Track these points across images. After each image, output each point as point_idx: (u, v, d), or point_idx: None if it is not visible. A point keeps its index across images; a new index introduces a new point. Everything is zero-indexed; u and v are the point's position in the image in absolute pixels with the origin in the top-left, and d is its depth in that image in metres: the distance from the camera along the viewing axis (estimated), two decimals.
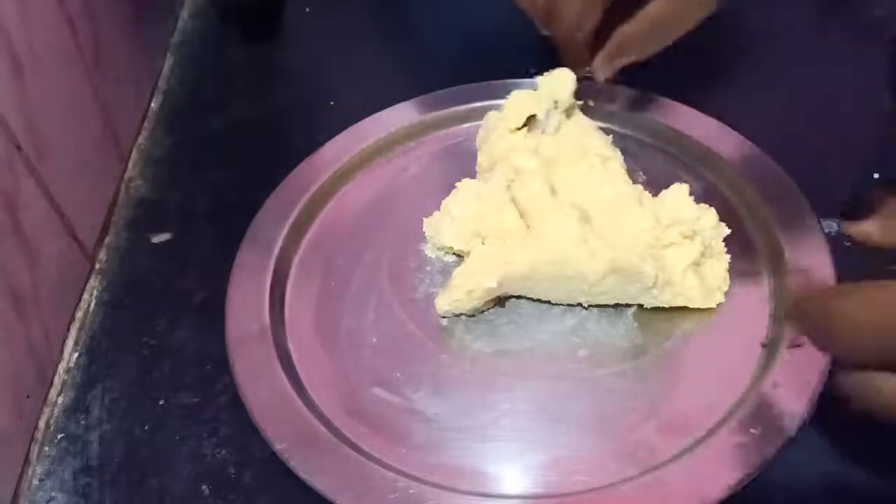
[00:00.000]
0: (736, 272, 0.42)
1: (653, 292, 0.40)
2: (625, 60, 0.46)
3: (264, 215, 0.47)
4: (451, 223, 0.44)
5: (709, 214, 0.42)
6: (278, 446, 0.36)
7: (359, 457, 0.36)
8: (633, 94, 0.51)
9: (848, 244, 0.44)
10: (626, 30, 0.45)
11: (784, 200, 0.44)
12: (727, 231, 0.42)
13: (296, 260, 0.46)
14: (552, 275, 0.40)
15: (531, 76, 0.50)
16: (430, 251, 0.45)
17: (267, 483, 0.37)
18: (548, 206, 0.41)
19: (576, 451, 0.36)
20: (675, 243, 0.40)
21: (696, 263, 0.40)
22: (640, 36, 0.45)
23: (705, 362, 0.38)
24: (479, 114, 0.50)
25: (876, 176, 0.47)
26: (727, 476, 0.33)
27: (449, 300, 0.41)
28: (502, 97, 0.51)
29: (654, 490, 0.34)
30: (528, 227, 0.41)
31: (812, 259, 0.41)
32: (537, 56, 0.56)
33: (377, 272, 0.45)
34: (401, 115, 0.52)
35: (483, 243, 0.42)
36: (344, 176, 0.50)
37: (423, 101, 0.52)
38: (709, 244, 0.41)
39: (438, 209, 0.45)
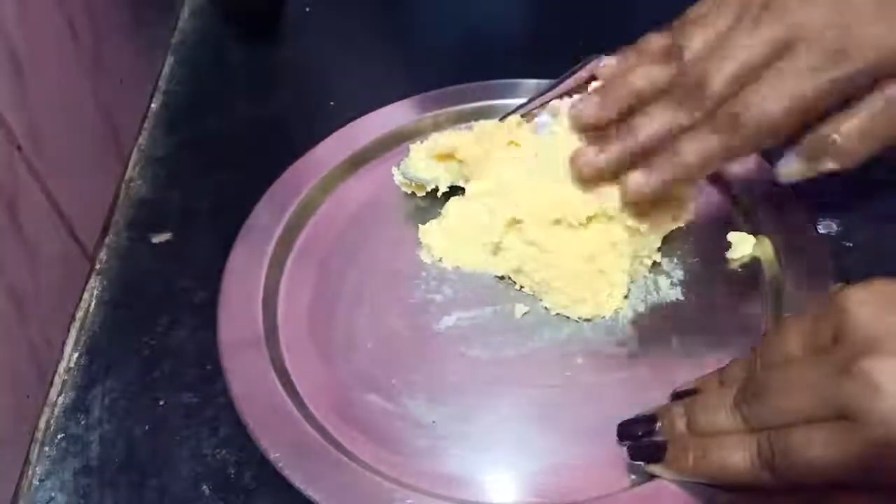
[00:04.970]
0: (735, 276, 0.42)
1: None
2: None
3: (257, 217, 0.46)
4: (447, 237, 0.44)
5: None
6: (273, 455, 0.36)
7: (354, 465, 0.36)
8: None
9: (849, 244, 0.44)
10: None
11: (779, 201, 0.43)
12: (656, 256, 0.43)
13: (289, 263, 0.45)
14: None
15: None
16: (425, 256, 0.45)
17: (267, 483, 0.37)
18: None
19: (573, 460, 0.36)
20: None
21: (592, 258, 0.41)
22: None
23: (702, 371, 0.37)
24: (479, 114, 0.50)
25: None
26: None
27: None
28: (502, 97, 0.51)
29: (652, 500, 0.34)
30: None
31: (811, 261, 0.41)
32: (536, 56, 0.56)
33: (372, 276, 0.44)
34: (397, 115, 0.52)
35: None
36: (338, 177, 0.49)
37: (420, 100, 0.52)
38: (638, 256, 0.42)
39: (436, 213, 0.45)
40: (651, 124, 0.37)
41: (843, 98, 0.36)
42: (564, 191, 0.41)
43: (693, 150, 0.37)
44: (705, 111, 0.36)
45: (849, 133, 0.37)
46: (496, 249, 0.43)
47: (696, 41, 0.37)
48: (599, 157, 0.39)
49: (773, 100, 0.35)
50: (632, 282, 0.42)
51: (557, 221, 0.41)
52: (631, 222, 0.40)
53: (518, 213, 0.42)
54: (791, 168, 0.38)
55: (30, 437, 0.40)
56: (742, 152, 0.37)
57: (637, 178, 0.38)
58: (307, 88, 0.59)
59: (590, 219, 0.40)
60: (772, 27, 0.35)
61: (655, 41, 0.39)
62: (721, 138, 0.36)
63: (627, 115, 0.38)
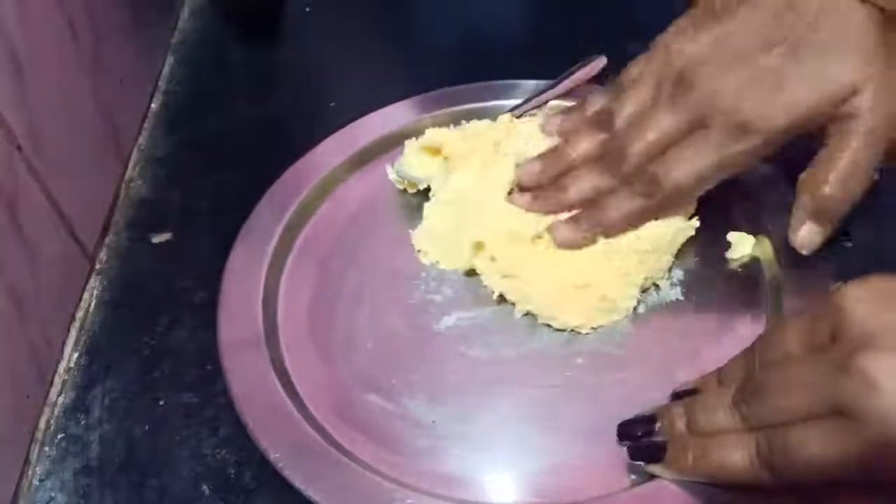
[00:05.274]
0: (735, 276, 0.42)
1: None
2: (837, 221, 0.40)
3: (257, 217, 0.46)
4: (434, 238, 0.44)
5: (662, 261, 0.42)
6: (273, 455, 0.36)
7: (354, 465, 0.36)
8: None
9: (849, 245, 0.44)
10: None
11: (779, 201, 0.43)
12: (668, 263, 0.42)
13: (289, 263, 0.45)
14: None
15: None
16: (424, 257, 0.45)
17: (267, 483, 0.37)
18: None
19: (573, 460, 0.36)
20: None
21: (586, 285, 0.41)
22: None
23: (702, 371, 0.36)
24: (479, 114, 0.49)
25: (875, 177, 0.46)
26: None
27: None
28: (502, 98, 0.51)
29: (652, 500, 0.34)
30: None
31: (811, 261, 0.41)
32: (536, 56, 0.56)
33: (372, 276, 0.44)
34: (397, 115, 0.51)
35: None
36: (338, 177, 0.49)
37: (420, 101, 0.52)
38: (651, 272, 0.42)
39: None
40: (577, 185, 0.42)
41: (762, 159, 0.39)
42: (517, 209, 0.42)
43: (615, 207, 0.41)
44: (622, 176, 0.40)
45: (840, 180, 0.38)
46: (472, 272, 0.43)
47: (627, 108, 0.41)
48: (532, 205, 0.43)
49: (687, 167, 0.39)
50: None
51: (513, 237, 0.41)
52: (634, 244, 0.41)
53: (479, 235, 0.42)
54: (813, 240, 0.40)
55: (30, 437, 0.40)
56: (662, 211, 0.41)
57: (564, 233, 0.42)
58: (307, 88, 0.59)
59: (538, 238, 0.41)
60: (686, 105, 0.39)
61: (593, 105, 0.44)
62: (640, 200, 0.40)
63: (562, 176, 0.43)
